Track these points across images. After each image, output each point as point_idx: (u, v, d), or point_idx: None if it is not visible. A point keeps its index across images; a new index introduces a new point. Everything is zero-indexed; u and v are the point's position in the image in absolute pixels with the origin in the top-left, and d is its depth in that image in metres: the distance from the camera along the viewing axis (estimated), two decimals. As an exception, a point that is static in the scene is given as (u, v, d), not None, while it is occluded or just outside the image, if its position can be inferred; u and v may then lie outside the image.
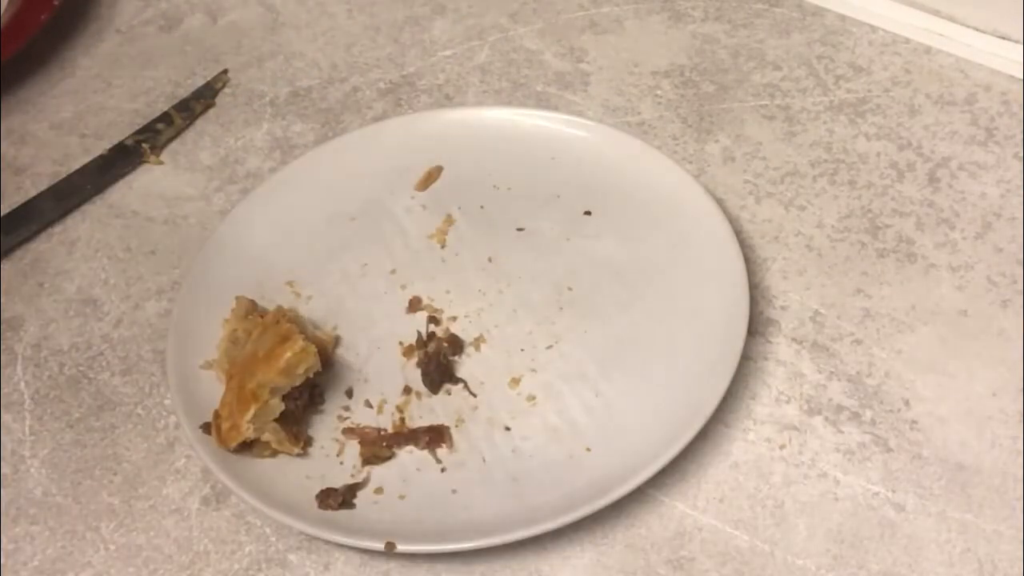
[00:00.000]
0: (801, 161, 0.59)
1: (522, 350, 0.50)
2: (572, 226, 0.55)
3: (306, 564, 0.45)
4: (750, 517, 0.45)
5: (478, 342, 0.51)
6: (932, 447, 0.46)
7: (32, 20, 0.66)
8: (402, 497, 0.45)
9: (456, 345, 0.50)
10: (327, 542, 0.45)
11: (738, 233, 0.52)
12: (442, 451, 0.47)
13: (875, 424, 0.47)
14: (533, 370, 0.49)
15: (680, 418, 0.45)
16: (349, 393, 0.49)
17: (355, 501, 0.45)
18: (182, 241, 0.58)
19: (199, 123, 0.65)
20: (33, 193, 0.60)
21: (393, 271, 0.54)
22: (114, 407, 0.51)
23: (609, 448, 0.46)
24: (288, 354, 0.45)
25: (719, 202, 0.54)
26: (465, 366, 0.50)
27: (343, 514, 0.44)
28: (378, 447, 0.47)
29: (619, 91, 0.64)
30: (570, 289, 0.52)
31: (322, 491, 0.45)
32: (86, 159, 0.62)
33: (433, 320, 0.52)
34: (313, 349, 0.46)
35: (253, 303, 0.51)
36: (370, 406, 0.49)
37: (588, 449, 0.46)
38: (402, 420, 0.48)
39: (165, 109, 0.64)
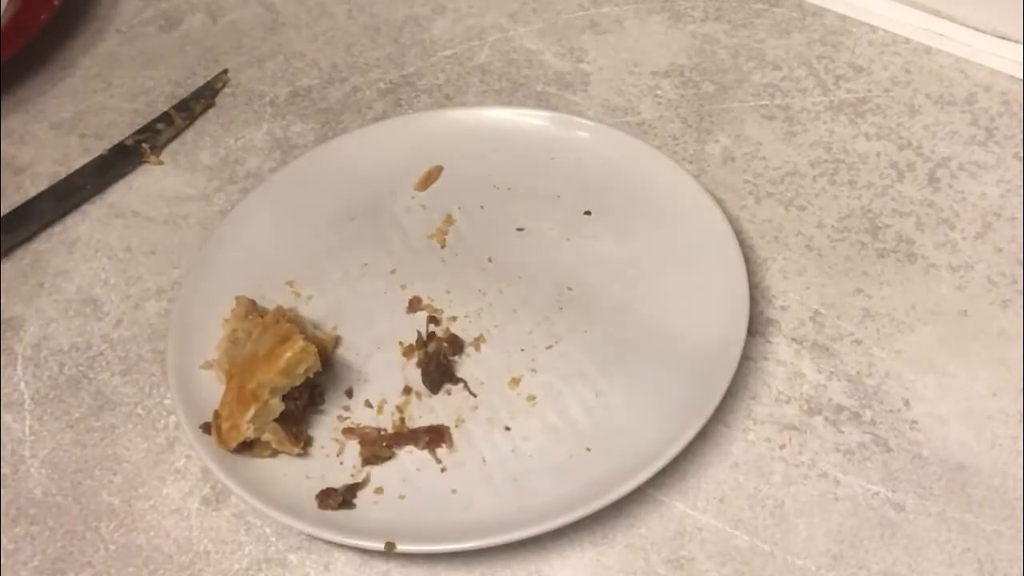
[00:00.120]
0: (801, 161, 0.59)
1: (522, 350, 0.50)
2: (572, 226, 0.55)
3: (306, 564, 0.45)
4: (750, 517, 0.45)
5: (478, 342, 0.51)
6: (932, 447, 0.46)
7: (32, 20, 0.66)
8: (402, 497, 0.45)
9: (456, 345, 0.50)
10: (327, 542, 0.45)
11: (738, 233, 0.52)
12: (442, 451, 0.47)
13: (875, 424, 0.47)
14: (533, 370, 0.49)
15: (680, 418, 0.45)
16: (349, 393, 0.49)
17: (355, 501, 0.45)
18: (182, 241, 0.58)
19: (199, 123, 0.65)
20: (33, 193, 0.60)
21: (393, 271, 0.54)
22: (114, 407, 0.51)
23: (609, 448, 0.46)
24: (288, 354, 0.45)
25: (719, 202, 0.54)
26: (465, 366, 0.50)
27: (343, 514, 0.44)
28: (378, 447, 0.47)
29: (619, 91, 0.64)
30: (570, 289, 0.52)
31: (322, 491, 0.45)
32: (86, 159, 0.62)
33: (433, 320, 0.52)
34: (313, 349, 0.46)
35: (253, 303, 0.51)
36: (370, 406, 0.49)
37: (588, 449, 0.46)
38: (402, 420, 0.48)
39: (165, 109, 0.64)
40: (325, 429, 0.48)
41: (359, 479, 0.46)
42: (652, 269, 0.53)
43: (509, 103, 0.63)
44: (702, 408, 0.45)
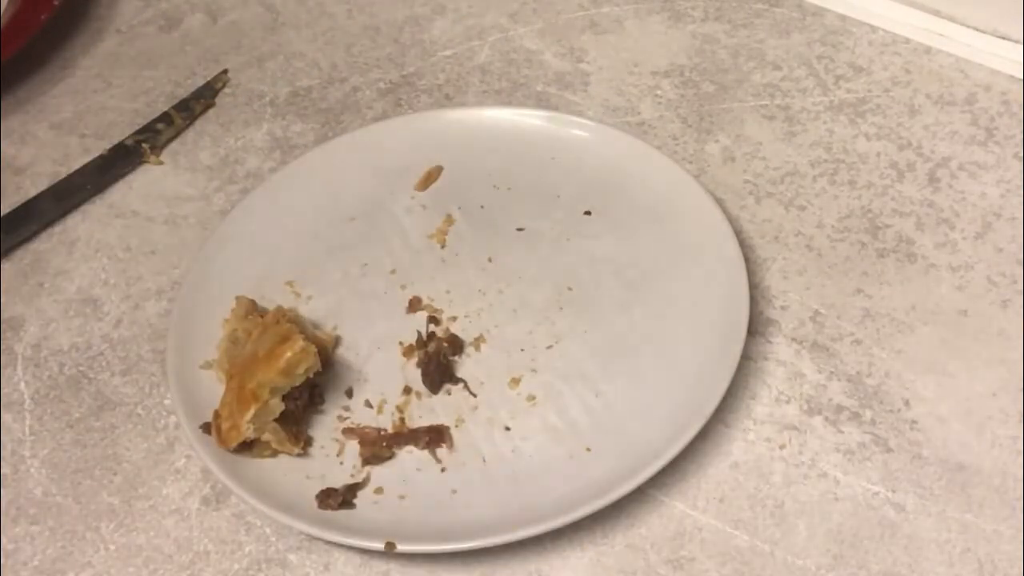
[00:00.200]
0: (801, 161, 0.59)
1: (522, 350, 0.50)
2: (572, 226, 0.55)
3: (306, 564, 0.45)
4: (750, 517, 0.45)
5: (478, 342, 0.51)
6: (932, 447, 0.46)
7: (32, 20, 0.66)
8: (402, 497, 0.45)
9: (456, 345, 0.50)
10: (327, 542, 0.45)
11: (738, 233, 0.52)
12: (442, 451, 0.47)
13: (875, 424, 0.47)
14: (533, 370, 0.49)
15: (680, 418, 0.45)
16: (349, 393, 0.49)
17: (355, 501, 0.45)
18: (182, 241, 0.58)
19: (199, 123, 0.65)
20: (33, 193, 0.60)
21: (393, 271, 0.54)
22: (114, 407, 0.51)
23: (609, 448, 0.46)
24: (288, 354, 0.45)
25: (719, 202, 0.54)
26: (465, 366, 0.50)
27: (343, 514, 0.44)
28: (378, 447, 0.47)
29: (619, 91, 0.64)
30: (570, 289, 0.52)
31: (322, 491, 0.45)
32: (86, 159, 0.62)
33: (433, 320, 0.52)
34: (313, 349, 0.46)
35: (253, 303, 0.51)
36: (370, 406, 0.49)
37: (588, 449, 0.46)
38: (402, 420, 0.48)
39: (165, 109, 0.64)
40: (325, 429, 0.48)
41: (359, 479, 0.46)
42: (652, 269, 0.53)
43: (509, 103, 0.63)
44: (702, 408, 0.45)
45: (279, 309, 0.50)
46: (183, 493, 0.47)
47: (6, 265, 0.57)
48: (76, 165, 0.61)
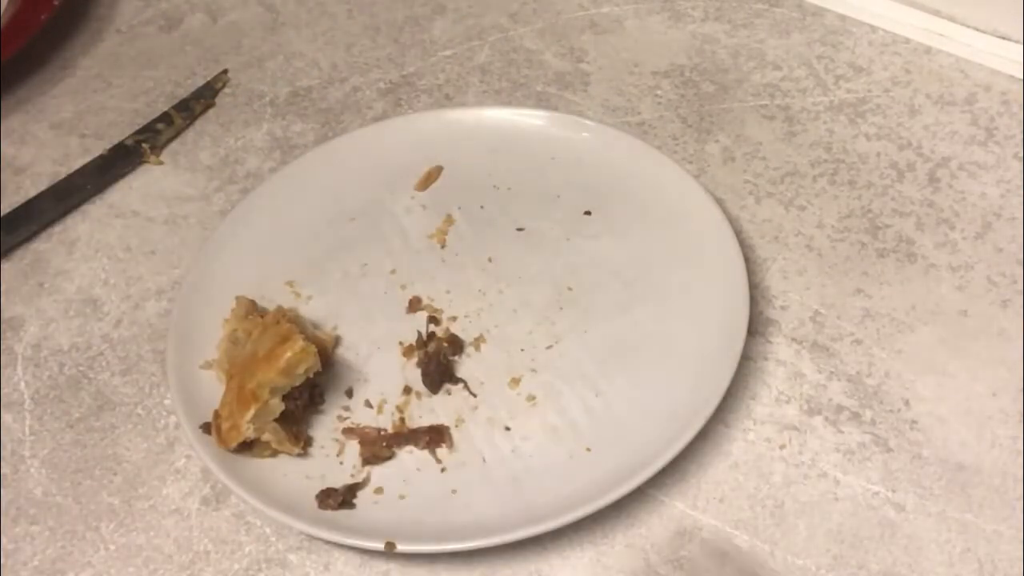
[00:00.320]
0: (801, 161, 0.59)
1: (522, 350, 0.50)
2: (572, 226, 0.55)
3: (306, 564, 0.45)
4: (750, 517, 0.45)
5: (478, 342, 0.51)
6: (932, 447, 0.46)
7: (32, 20, 0.66)
8: (402, 497, 0.45)
9: (456, 345, 0.50)
10: (327, 542, 0.45)
11: (738, 233, 0.52)
12: (442, 451, 0.47)
13: (875, 424, 0.47)
14: (533, 370, 0.49)
15: (680, 418, 0.45)
16: (349, 393, 0.49)
17: (355, 501, 0.45)
18: (182, 241, 0.58)
19: (199, 123, 0.65)
20: (33, 193, 0.60)
21: (393, 271, 0.54)
22: (114, 407, 0.51)
23: (609, 448, 0.46)
24: (288, 354, 0.45)
25: (719, 202, 0.54)
26: (465, 366, 0.50)
27: (343, 514, 0.44)
28: (378, 447, 0.47)
29: (619, 91, 0.64)
30: (570, 289, 0.52)
31: (322, 491, 0.45)
32: (86, 159, 0.62)
33: (433, 320, 0.52)
34: (313, 349, 0.46)
35: (253, 303, 0.51)
36: (370, 406, 0.49)
37: (588, 449, 0.46)
38: (402, 420, 0.48)
39: (165, 109, 0.64)
40: (325, 429, 0.48)
41: (359, 479, 0.46)
42: (652, 269, 0.53)
43: (509, 103, 0.63)
44: (702, 408, 0.45)
45: (279, 309, 0.50)
46: (183, 493, 0.47)
47: (6, 265, 0.57)
48: (76, 165, 0.61)
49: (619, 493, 0.43)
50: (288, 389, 0.46)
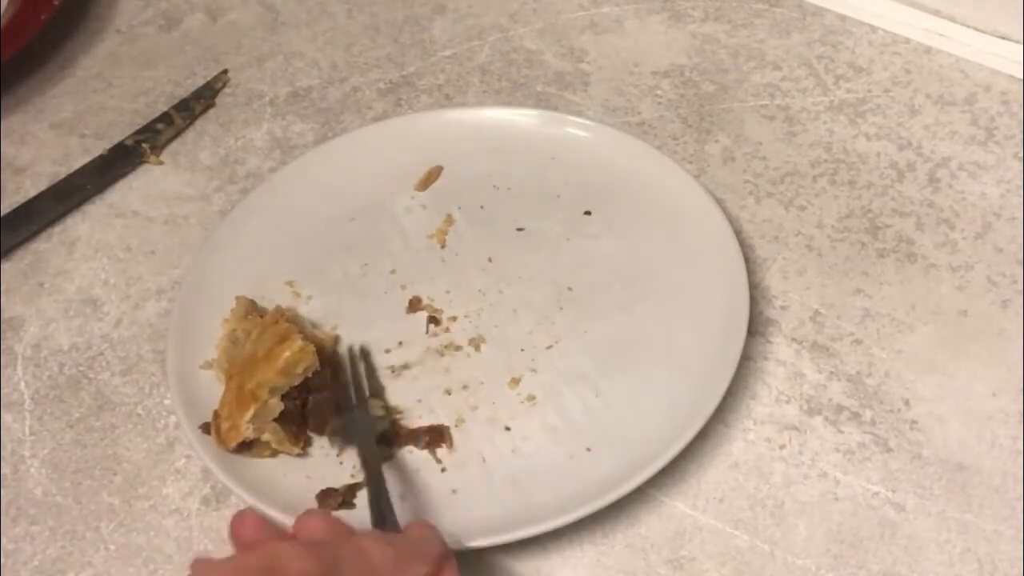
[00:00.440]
0: (801, 161, 0.59)
1: (522, 350, 0.50)
2: (572, 226, 0.55)
3: (306, 564, 0.45)
4: (750, 517, 0.45)
5: (478, 342, 0.51)
6: (932, 447, 0.46)
7: (32, 20, 0.66)
8: (402, 497, 0.45)
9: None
10: (327, 542, 0.45)
11: (738, 233, 0.52)
12: (442, 451, 0.47)
13: (875, 424, 0.47)
14: (533, 370, 0.49)
15: (680, 418, 0.45)
16: (349, 393, 0.49)
17: (355, 501, 0.45)
18: (182, 241, 0.58)
19: (199, 123, 0.65)
20: (33, 193, 0.60)
21: (393, 271, 0.54)
22: (114, 407, 0.51)
23: (609, 448, 0.46)
24: (287, 354, 0.45)
25: (719, 202, 0.54)
26: (465, 366, 0.50)
27: (343, 514, 0.44)
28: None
29: (619, 91, 0.64)
30: (570, 289, 0.52)
31: (322, 491, 0.45)
32: (86, 159, 0.62)
33: (433, 320, 0.52)
34: (311, 348, 0.46)
35: (253, 303, 0.51)
36: (370, 406, 0.49)
37: (588, 449, 0.46)
38: (402, 420, 0.48)
39: (165, 109, 0.64)
40: (325, 429, 0.48)
41: (359, 479, 0.46)
42: (652, 269, 0.53)
43: (509, 103, 0.63)
44: (702, 408, 0.45)
45: (278, 309, 0.50)
46: (183, 493, 0.47)
47: (6, 265, 0.57)
48: (76, 165, 0.61)
49: (619, 493, 0.43)
50: (287, 389, 0.46)
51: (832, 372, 0.49)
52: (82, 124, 0.65)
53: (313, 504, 0.44)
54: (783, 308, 0.52)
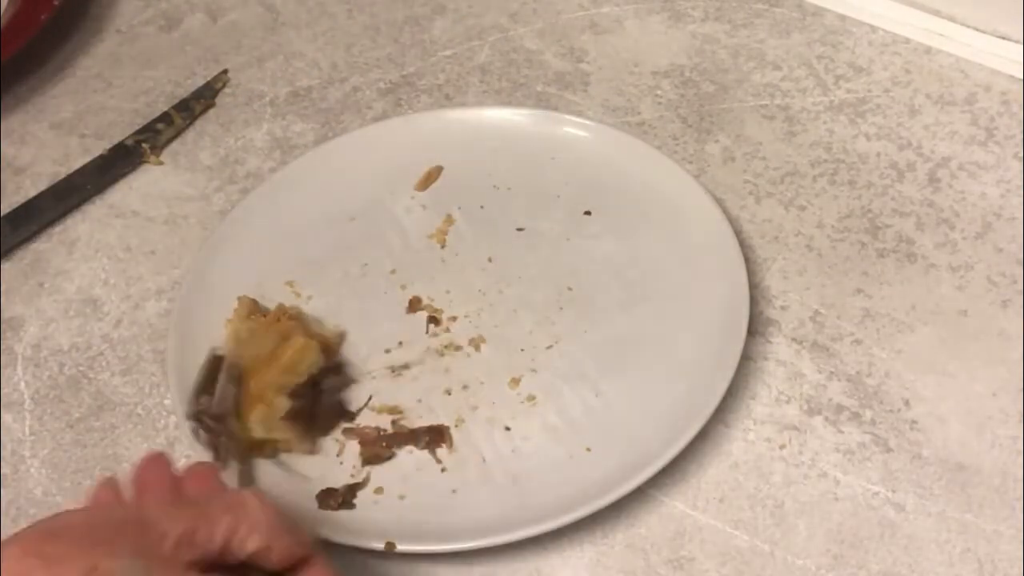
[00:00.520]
0: (801, 161, 0.59)
1: (522, 350, 0.50)
2: (572, 226, 0.55)
3: (306, 564, 0.45)
4: (750, 517, 0.45)
5: (478, 342, 0.51)
6: (932, 447, 0.46)
7: (32, 20, 0.66)
8: (402, 497, 0.45)
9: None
10: (327, 542, 0.45)
11: (738, 233, 0.52)
12: (442, 451, 0.47)
13: (875, 424, 0.47)
14: (533, 370, 0.49)
15: (680, 418, 0.45)
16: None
17: (355, 501, 0.45)
18: (182, 241, 0.58)
19: (199, 123, 0.65)
20: (33, 193, 0.60)
21: (393, 271, 0.54)
22: (114, 407, 0.51)
23: (609, 448, 0.46)
24: (289, 352, 0.45)
25: (719, 202, 0.54)
26: (465, 366, 0.50)
27: (343, 514, 0.44)
28: (378, 447, 0.47)
29: (619, 91, 0.64)
30: (570, 289, 0.52)
31: (322, 491, 0.45)
32: (86, 159, 0.62)
33: (433, 320, 0.52)
34: (314, 345, 0.46)
35: (255, 303, 0.51)
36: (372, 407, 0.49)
37: (588, 449, 0.46)
38: (402, 420, 0.48)
39: (165, 109, 0.64)
40: (325, 429, 0.48)
41: (359, 479, 0.46)
42: (652, 269, 0.53)
43: (509, 103, 0.63)
44: (702, 408, 0.45)
45: (280, 307, 0.50)
46: (183, 493, 0.47)
47: (6, 265, 0.57)
48: (76, 165, 0.61)
49: (619, 493, 0.43)
50: (293, 386, 0.46)
51: (832, 372, 0.49)
52: (82, 124, 0.65)
53: (313, 504, 0.44)
54: (783, 308, 0.52)
